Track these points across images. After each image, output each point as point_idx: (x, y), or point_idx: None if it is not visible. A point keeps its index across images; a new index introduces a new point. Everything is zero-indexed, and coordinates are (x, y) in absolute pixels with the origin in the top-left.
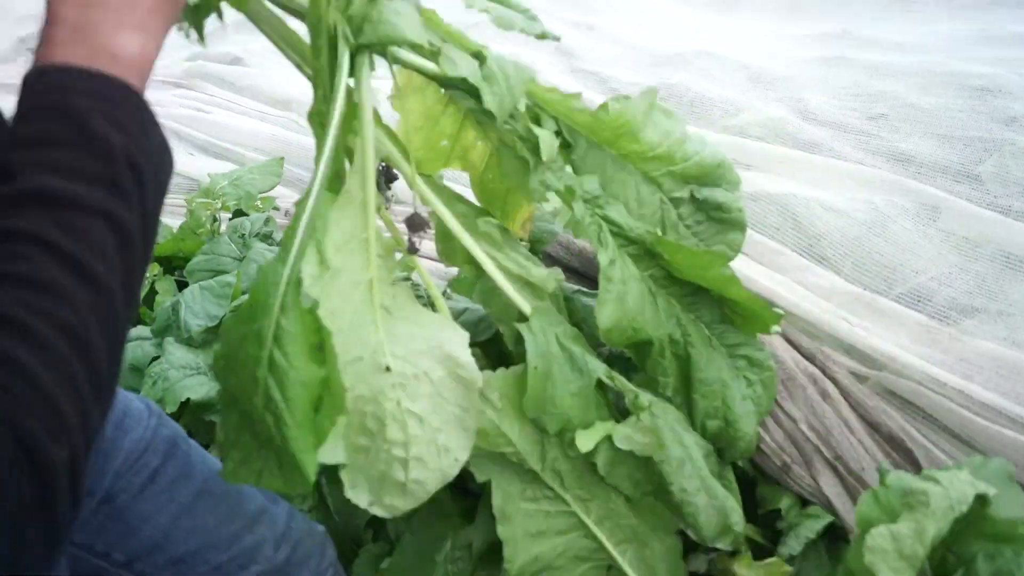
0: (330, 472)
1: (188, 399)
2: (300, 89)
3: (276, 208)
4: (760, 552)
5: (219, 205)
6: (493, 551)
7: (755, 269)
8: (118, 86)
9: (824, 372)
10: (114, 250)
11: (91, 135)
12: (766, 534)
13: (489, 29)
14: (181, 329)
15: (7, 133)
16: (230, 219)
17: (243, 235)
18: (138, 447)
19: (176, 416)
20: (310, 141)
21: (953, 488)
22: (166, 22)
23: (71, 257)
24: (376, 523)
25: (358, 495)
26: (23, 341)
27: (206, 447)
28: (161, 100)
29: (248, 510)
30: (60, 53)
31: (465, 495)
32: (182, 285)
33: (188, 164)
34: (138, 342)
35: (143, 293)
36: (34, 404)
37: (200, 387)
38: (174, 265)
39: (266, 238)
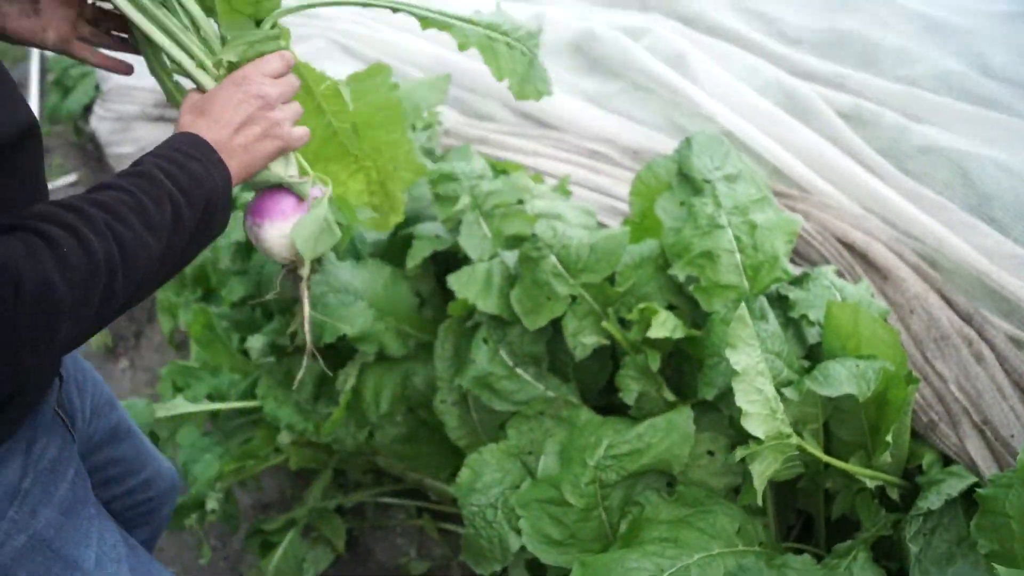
0: None
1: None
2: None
3: (440, 124)
4: (890, 505)
5: None
6: None
7: (924, 219)
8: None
9: (980, 335)
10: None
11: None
12: (904, 486)
13: None
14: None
15: None
16: None
17: None
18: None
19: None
20: (472, 64)
21: None
22: None
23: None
24: None
25: None
26: (72, 235)
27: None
28: (333, 15)
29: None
30: None
31: None
32: None
33: None
34: None
35: None
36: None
37: (357, 319)
38: None
39: (429, 153)
